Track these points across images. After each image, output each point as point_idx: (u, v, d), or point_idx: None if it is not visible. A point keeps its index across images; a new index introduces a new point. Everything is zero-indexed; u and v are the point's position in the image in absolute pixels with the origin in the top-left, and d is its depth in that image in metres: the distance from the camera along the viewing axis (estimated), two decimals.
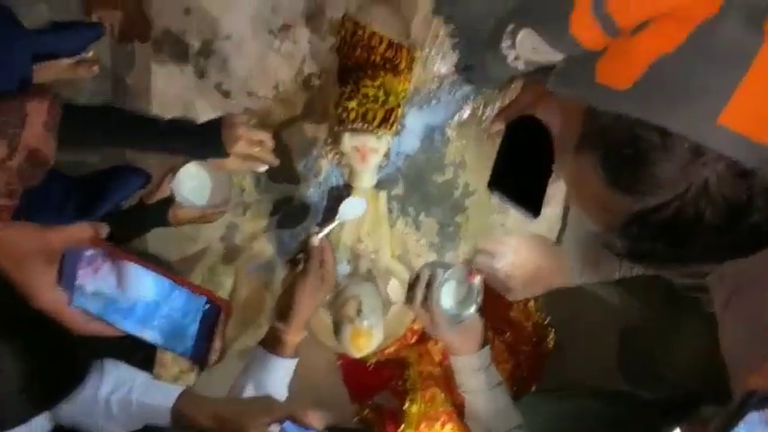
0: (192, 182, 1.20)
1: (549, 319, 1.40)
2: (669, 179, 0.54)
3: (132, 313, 0.69)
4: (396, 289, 1.29)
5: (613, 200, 0.58)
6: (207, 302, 0.67)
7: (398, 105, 1.10)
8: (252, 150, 1.11)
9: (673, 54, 0.54)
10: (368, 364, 1.33)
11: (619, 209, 0.58)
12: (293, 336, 1.12)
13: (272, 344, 1.12)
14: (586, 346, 1.38)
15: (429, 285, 1.08)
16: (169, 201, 1.18)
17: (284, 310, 1.12)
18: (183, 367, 1.16)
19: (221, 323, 0.68)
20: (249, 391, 1.11)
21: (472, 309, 1.08)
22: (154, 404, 1.05)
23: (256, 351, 1.14)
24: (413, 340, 1.32)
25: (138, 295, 0.68)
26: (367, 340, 1.17)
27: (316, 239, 1.13)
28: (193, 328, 0.69)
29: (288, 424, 1.01)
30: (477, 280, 1.08)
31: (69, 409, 1.05)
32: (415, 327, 1.31)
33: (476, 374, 1.10)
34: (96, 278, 0.68)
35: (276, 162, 1.15)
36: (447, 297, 1.09)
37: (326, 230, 1.11)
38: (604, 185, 0.58)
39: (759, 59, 0.52)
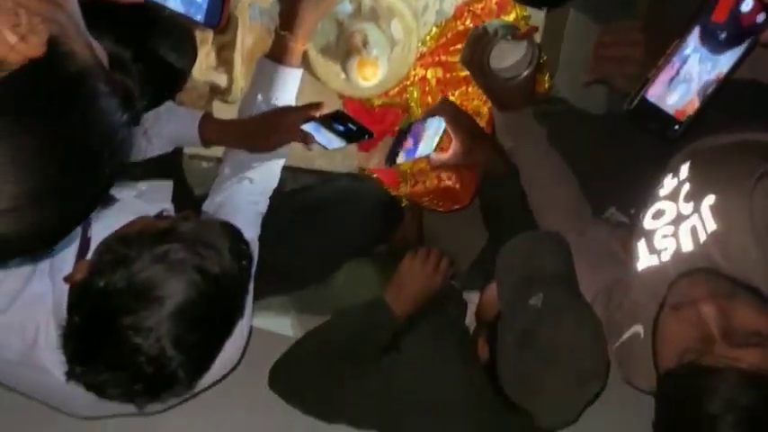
0: None
1: None
2: None
3: None
4: (398, 28, 1.32)
5: None
6: None
7: None
8: None
9: None
10: (372, 107, 1.39)
11: None
12: (299, 44, 1.17)
13: (279, 53, 1.18)
14: None
15: (483, 43, 1.11)
16: None
17: (289, 18, 1.16)
18: (201, 92, 1.21)
19: None
20: (260, 104, 1.18)
21: (525, 71, 1.11)
22: (181, 129, 1.12)
23: (263, 63, 1.20)
24: (415, 78, 1.37)
25: None
26: (373, 70, 1.22)
27: None
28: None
29: (310, 124, 1.09)
30: (533, 41, 1.12)
31: None
32: (418, 66, 1.36)
33: (518, 130, 1.18)
34: None
35: None
36: (500, 56, 1.12)
37: None
38: None
39: None
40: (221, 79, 1.26)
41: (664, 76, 0.75)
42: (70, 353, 0.85)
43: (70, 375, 0.86)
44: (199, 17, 0.73)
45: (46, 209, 0.50)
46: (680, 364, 0.87)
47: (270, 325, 1.45)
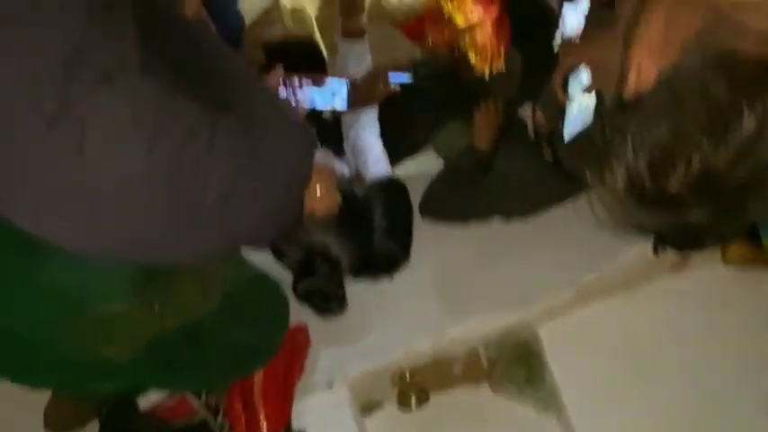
0: None
1: None
2: None
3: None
4: None
5: None
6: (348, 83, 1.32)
7: None
8: None
9: None
10: (414, 20, 1.94)
11: None
12: (361, 21, 1.74)
13: (352, 33, 1.75)
14: None
15: None
16: None
17: (350, 9, 1.71)
18: None
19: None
20: (352, 65, 1.79)
21: None
22: None
23: (342, 42, 1.78)
24: None
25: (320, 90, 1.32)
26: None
27: None
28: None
29: (391, 75, 1.73)
30: None
31: None
32: None
33: None
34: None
35: None
36: None
37: None
38: None
39: None
40: None
41: None
42: None
43: None
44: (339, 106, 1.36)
45: None
46: None
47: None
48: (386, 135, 1.86)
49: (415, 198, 2.04)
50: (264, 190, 0.97)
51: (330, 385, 2.18)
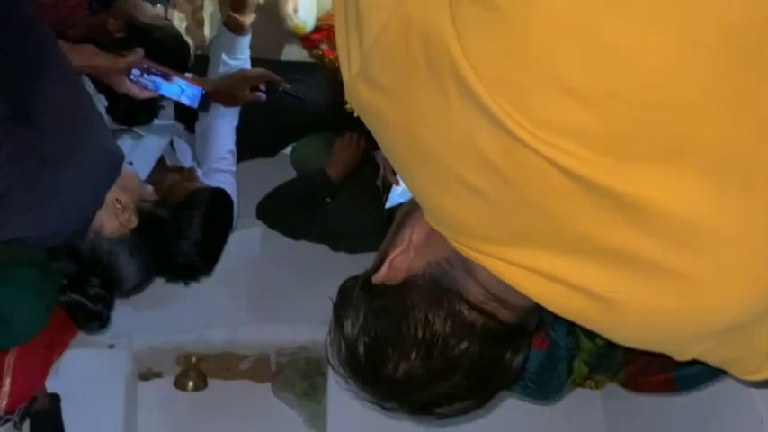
0: None
1: None
2: None
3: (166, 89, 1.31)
4: None
5: None
6: (202, 91, 1.28)
7: None
8: None
9: None
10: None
11: None
12: (247, 20, 1.69)
13: (234, 28, 1.70)
14: None
15: None
16: None
17: (238, 6, 1.66)
18: None
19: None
20: (225, 59, 1.74)
21: None
22: None
23: (224, 33, 1.73)
24: None
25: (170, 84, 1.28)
26: (303, 28, 1.74)
27: None
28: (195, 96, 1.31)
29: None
30: None
31: None
32: None
33: None
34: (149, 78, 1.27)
35: None
36: None
37: None
38: None
39: None
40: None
41: None
42: None
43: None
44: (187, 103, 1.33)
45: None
46: None
47: None
48: (242, 129, 1.83)
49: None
50: (45, 205, 0.94)
51: (112, 346, 2.15)
